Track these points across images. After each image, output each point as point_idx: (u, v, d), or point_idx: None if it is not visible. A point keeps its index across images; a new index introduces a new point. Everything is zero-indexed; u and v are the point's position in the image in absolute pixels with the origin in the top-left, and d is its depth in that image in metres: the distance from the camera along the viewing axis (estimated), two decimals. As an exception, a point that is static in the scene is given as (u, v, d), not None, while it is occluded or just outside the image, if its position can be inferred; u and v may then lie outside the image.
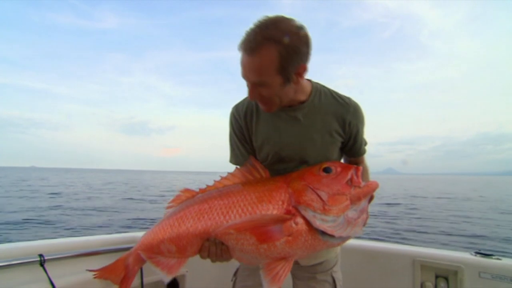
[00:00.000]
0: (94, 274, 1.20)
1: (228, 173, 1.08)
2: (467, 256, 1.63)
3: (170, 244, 1.02)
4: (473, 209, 14.90)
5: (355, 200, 0.92)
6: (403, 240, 7.34)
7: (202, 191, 1.07)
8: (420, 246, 1.88)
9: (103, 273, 1.19)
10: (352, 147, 1.17)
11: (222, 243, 0.96)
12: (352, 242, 1.99)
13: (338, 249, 1.28)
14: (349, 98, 1.13)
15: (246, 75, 0.97)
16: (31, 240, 1.44)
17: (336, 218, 0.89)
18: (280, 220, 0.91)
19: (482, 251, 1.64)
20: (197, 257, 1.92)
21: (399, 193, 26.12)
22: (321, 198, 0.91)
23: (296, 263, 1.18)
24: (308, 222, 0.90)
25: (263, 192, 0.96)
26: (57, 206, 12.82)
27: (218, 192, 1.03)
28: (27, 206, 12.20)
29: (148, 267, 1.65)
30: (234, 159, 1.23)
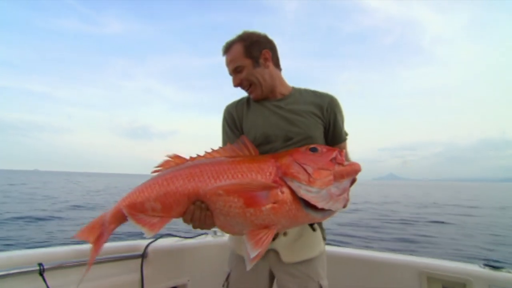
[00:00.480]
0: (72, 237, 1.12)
1: (219, 147, 1.13)
2: (476, 268, 1.58)
3: (155, 202, 1.02)
4: (481, 217, 14.39)
5: (338, 177, 0.98)
6: (409, 250, 7.12)
7: (192, 159, 1.10)
8: (427, 256, 1.83)
9: (81, 234, 1.11)
10: (333, 133, 1.30)
11: (207, 209, 1.00)
12: (354, 251, 1.94)
13: (323, 247, 1.27)
14: (326, 92, 1.34)
15: (228, 68, 1.30)
16: (30, 248, 1.41)
17: (319, 190, 0.96)
18: (267, 187, 0.97)
19: (491, 263, 1.60)
20: (200, 266, 1.91)
21: (403, 200, 25.61)
22: (306, 171, 0.98)
23: (279, 259, 1.20)
24: (293, 193, 0.96)
25: (252, 164, 1.02)
26: (57, 211, 12.49)
27: (209, 160, 1.08)
28: (26, 211, 11.84)
29: (148, 276, 1.63)
30: (224, 145, 1.33)
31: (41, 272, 1.26)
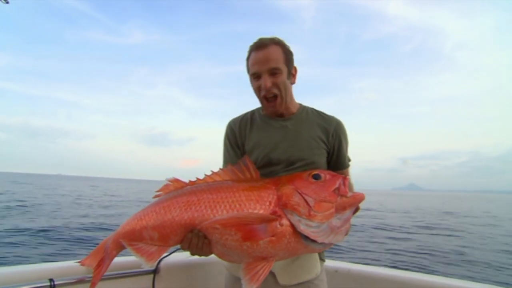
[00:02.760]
0: (79, 262, 1.17)
1: (220, 168, 1.11)
2: None
3: (153, 231, 1.02)
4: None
5: (340, 209, 0.95)
6: (430, 269, 6.34)
7: (191, 183, 1.08)
8: (453, 277, 1.68)
9: (86, 261, 1.14)
10: (337, 159, 1.26)
11: (205, 237, 0.98)
12: (366, 269, 1.81)
13: (319, 268, 1.22)
14: (333, 116, 1.29)
15: (261, 65, 1.15)
16: (41, 262, 1.38)
17: (320, 224, 0.93)
18: (266, 220, 0.94)
19: None
20: (213, 281, 1.84)
21: (426, 212, 23.17)
22: (307, 203, 0.95)
23: (275, 282, 1.17)
24: (293, 226, 0.94)
25: (252, 191, 0.99)
26: (68, 221, 10.33)
27: (207, 186, 1.05)
28: (40, 221, 10.03)
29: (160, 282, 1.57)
30: (224, 165, 1.31)
31: None
